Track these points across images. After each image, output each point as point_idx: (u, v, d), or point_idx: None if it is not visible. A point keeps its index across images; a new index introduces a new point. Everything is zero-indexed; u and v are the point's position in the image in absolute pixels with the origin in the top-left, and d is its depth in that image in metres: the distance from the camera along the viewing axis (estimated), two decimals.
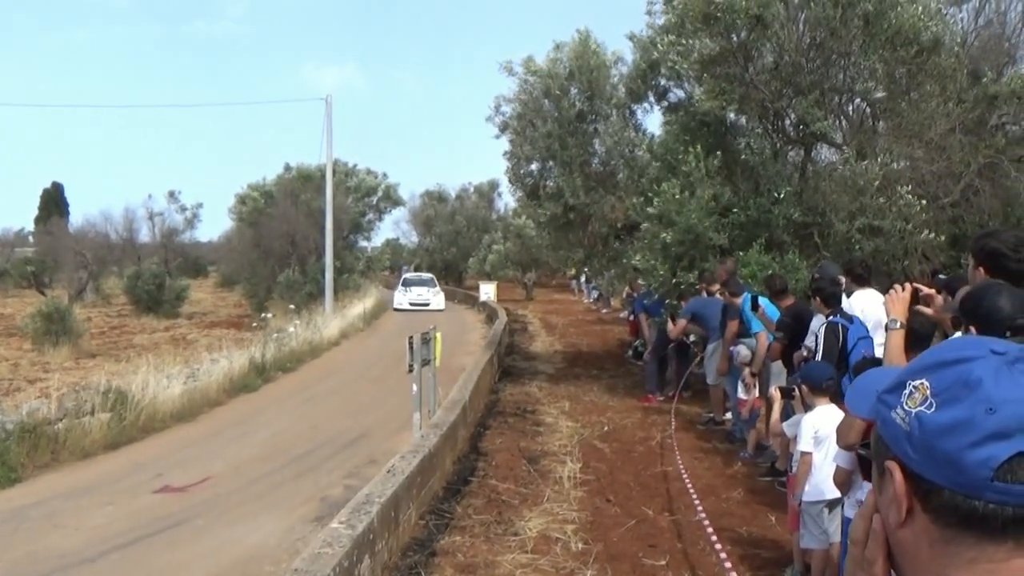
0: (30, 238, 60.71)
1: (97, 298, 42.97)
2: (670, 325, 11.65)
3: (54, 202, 62.99)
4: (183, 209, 49.19)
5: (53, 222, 53.04)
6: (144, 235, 48.88)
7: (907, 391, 0.89)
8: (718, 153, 12.02)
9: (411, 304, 34.57)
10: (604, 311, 31.51)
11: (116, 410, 11.79)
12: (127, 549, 7.45)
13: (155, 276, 37.55)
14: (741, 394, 9.31)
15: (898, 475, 0.88)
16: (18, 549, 7.42)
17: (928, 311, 4.28)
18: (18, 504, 8.81)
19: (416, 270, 61.64)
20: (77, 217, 59.76)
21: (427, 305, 34.98)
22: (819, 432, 5.12)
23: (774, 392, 6.17)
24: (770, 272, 10.07)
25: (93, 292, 43.56)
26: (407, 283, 37.84)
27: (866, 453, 0.99)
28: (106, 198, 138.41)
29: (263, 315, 26.58)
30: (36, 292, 41.84)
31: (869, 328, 6.70)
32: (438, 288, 37.68)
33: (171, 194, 49.44)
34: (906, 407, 0.88)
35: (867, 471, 1.00)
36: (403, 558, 6.19)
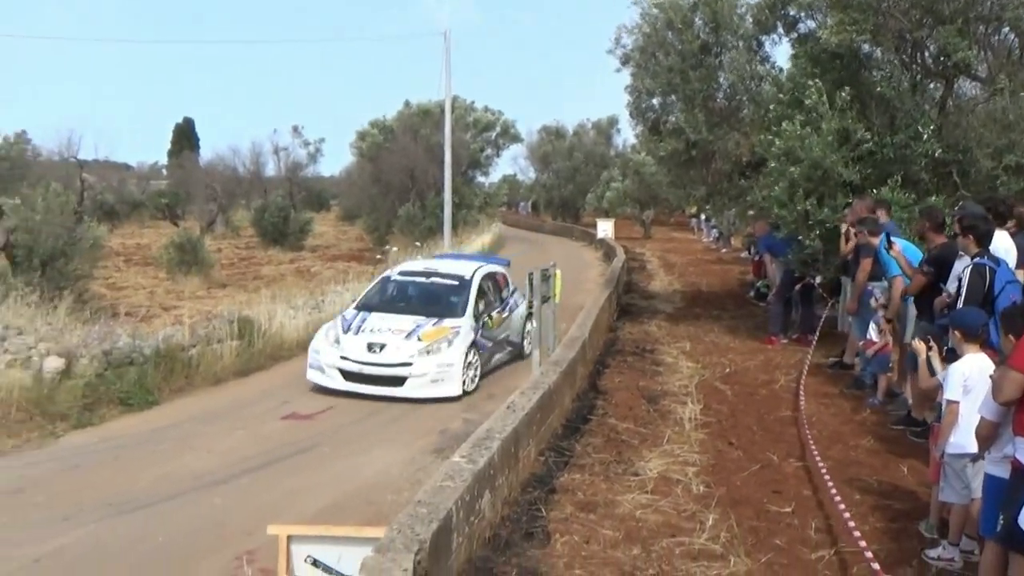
0: (163, 171, 63.14)
1: (227, 230, 44.58)
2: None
3: (185, 137, 65.23)
4: (306, 144, 50.12)
5: (185, 156, 55.23)
6: (270, 169, 50.17)
7: None
8: (847, 87, 11.40)
9: (349, 371, 10.52)
10: (724, 250, 30.89)
11: (245, 338, 12.21)
12: (256, 473, 7.73)
13: (280, 209, 38.70)
14: (873, 335, 8.91)
15: None
16: (156, 469, 7.78)
17: None
18: (155, 426, 9.25)
19: (534, 208, 60.84)
20: (207, 151, 62.00)
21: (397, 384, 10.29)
22: (968, 381, 4.83)
23: (917, 344, 5.76)
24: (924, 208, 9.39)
25: (223, 224, 45.22)
26: (379, 303, 11.72)
27: None
28: (234, 133, 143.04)
29: (385, 247, 27.05)
30: (170, 223, 43.61)
31: None
32: (518, 295, 12.73)
33: (295, 129, 50.51)
34: None
35: None
36: (523, 494, 6.21)
